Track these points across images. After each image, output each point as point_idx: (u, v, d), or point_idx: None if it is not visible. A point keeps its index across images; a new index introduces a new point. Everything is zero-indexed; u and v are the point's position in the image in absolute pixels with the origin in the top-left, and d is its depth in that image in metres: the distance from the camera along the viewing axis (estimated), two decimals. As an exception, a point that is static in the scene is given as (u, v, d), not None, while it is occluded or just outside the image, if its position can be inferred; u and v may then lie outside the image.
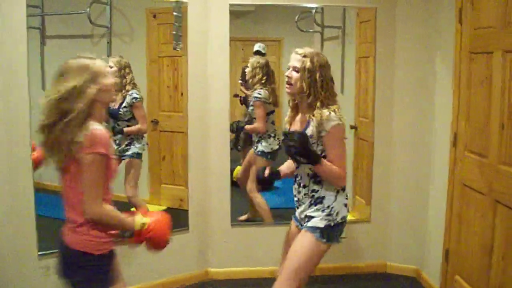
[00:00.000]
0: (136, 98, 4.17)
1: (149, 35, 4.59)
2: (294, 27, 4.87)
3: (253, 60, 4.66)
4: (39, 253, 3.59)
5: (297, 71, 2.80)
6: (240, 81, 5.52)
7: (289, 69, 2.86)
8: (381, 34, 4.22)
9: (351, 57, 4.73)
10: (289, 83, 2.85)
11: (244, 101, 5.14)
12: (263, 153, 4.57)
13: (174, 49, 3.13)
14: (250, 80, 4.64)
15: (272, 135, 4.60)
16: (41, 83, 4.24)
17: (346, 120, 2.79)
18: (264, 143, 4.59)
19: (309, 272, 2.82)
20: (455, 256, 3.67)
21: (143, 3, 4.14)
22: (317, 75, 2.75)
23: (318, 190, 2.82)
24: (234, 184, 4.64)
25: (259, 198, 4.59)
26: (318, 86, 2.74)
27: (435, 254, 3.99)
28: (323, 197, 2.81)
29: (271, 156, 4.58)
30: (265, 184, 3.04)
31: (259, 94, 4.51)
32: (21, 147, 3.46)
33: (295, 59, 2.85)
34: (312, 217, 2.81)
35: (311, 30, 5.01)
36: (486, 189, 3.21)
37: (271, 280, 2.87)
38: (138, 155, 4.29)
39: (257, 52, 5.41)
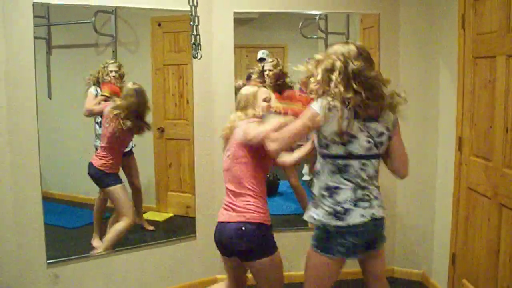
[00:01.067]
0: None
1: (154, 43, 4.62)
2: (298, 34, 4.90)
3: None
4: (48, 261, 3.62)
5: None
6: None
7: None
8: (384, 40, 4.24)
9: (355, 63, 4.75)
10: None
11: None
12: None
13: (194, 57, 3.19)
14: None
15: None
16: (47, 92, 4.28)
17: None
18: None
19: None
20: (462, 260, 3.68)
21: (148, 12, 4.17)
22: None
23: None
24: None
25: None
26: None
27: (442, 258, 3.99)
28: None
29: None
30: None
31: None
32: (28, 156, 3.49)
33: None
34: None
35: (315, 37, 5.04)
36: (491, 193, 3.22)
37: None
38: None
39: (262, 59, 5.44)
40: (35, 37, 3.49)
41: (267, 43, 5.81)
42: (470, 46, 3.51)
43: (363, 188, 2.60)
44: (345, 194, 2.58)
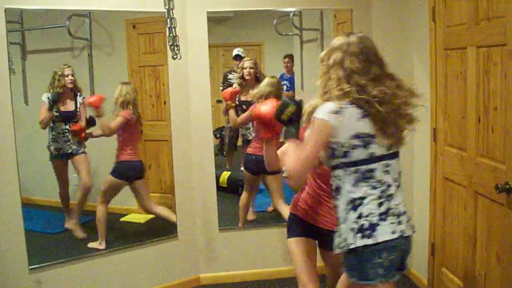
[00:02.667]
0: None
1: (129, 45, 4.61)
2: (273, 31, 4.92)
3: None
4: (30, 267, 3.60)
5: None
6: (222, 87, 5.56)
7: None
8: (358, 35, 4.28)
9: (330, 59, 4.78)
10: None
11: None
12: None
13: (174, 58, 3.20)
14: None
15: None
16: (24, 98, 4.26)
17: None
18: None
19: None
20: (441, 249, 3.73)
21: (122, 14, 4.17)
22: None
23: None
24: (221, 189, 4.68)
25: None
26: None
27: (421, 248, 4.04)
28: None
29: None
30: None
31: None
32: (6, 162, 3.48)
33: None
34: None
35: (291, 34, 5.08)
36: (466, 182, 3.27)
37: (262, 282, 2.85)
38: None
39: (237, 57, 5.46)
40: (9, 43, 3.47)
41: (244, 41, 5.84)
42: (441, 38, 3.56)
43: (389, 197, 2.33)
44: (371, 205, 2.28)
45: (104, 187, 4.32)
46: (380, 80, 2.31)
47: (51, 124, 4.32)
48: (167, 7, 3.13)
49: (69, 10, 3.92)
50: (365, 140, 2.26)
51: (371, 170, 2.30)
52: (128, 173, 4.34)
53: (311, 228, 2.94)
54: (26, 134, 3.93)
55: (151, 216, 4.58)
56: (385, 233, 2.24)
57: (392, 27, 4.21)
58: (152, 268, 4.16)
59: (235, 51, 5.50)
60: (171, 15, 3.15)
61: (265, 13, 4.58)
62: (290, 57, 5.41)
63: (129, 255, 4.06)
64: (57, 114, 4.27)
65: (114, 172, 4.31)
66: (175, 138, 4.18)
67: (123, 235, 4.47)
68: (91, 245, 4.18)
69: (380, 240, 2.23)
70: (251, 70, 4.66)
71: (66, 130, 4.34)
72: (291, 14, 4.81)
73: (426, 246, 3.94)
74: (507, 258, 2.82)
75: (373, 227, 2.24)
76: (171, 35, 3.18)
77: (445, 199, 3.64)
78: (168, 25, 3.16)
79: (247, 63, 4.69)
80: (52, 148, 4.37)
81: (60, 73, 4.23)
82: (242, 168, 4.56)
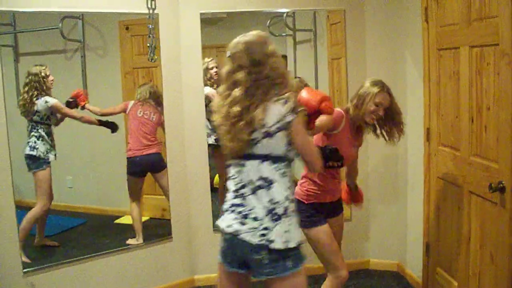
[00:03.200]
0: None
1: (122, 47, 4.60)
2: (267, 32, 4.90)
3: None
4: (24, 270, 3.59)
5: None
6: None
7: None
8: (350, 36, 4.30)
9: (323, 59, 4.78)
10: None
11: None
12: None
13: (150, 60, 3.19)
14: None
15: None
16: (16, 100, 4.24)
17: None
18: None
19: None
20: (435, 248, 3.74)
21: (115, 16, 4.16)
22: None
23: None
24: (215, 190, 4.67)
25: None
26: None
27: (416, 248, 4.06)
28: None
29: None
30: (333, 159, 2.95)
31: None
32: (0, 164, 3.47)
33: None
34: None
35: (284, 34, 5.07)
36: (460, 181, 3.28)
37: (255, 284, 2.85)
38: None
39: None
40: (2, 45, 3.47)
41: (237, 42, 5.82)
42: (434, 38, 3.58)
43: (240, 196, 2.38)
44: (228, 195, 2.44)
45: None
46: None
47: (40, 129, 4.17)
48: (149, 5, 3.12)
49: (62, 12, 3.91)
50: None
51: (228, 165, 2.47)
52: (132, 169, 4.41)
53: (324, 206, 3.21)
54: (19, 137, 3.91)
55: (145, 218, 4.57)
56: (222, 222, 2.39)
57: (385, 28, 4.23)
58: (147, 270, 4.15)
59: (228, 53, 5.48)
60: (152, 16, 3.13)
61: (259, 14, 4.57)
62: (284, 58, 5.40)
63: (123, 257, 4.06)
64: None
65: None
66: (169, 139, 4.17)
67: (117, 237, 4.46)
68: (130, 241, 4.26)
69: (219, 225, 2.41)
70: (217, 69, 4.63)
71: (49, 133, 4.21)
72: (284, 15, 4.80)
73: (420, 246, 3.95)
74: (501, 257, 2.83)
75: (222, 212, 2.42)
76: (150, 36, 3.17)
77: (439, 198, 3.65)
78: (150, 26, 3.15)
79: (211, 63, 4.67)
80: (50, 155, 4.19)
81: (43, 74, 4.11)
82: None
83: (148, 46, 3.17)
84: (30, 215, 3.96)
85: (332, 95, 4.70)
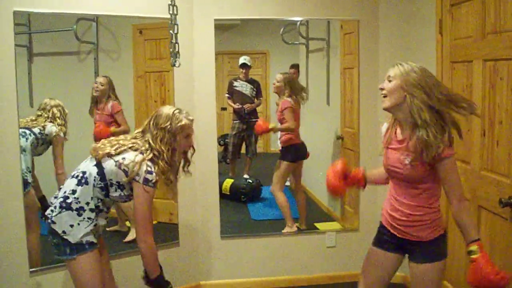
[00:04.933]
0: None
1: (135, 51, 4.62)
2: (279, 40, 4.93)
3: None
4: (31, 270, 3.60)
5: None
6: (227, 95, 5.57)
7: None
8: (364, 46, 4.29)
9: (336, 69, 4.79)
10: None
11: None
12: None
13: (173, 65, 3.22)
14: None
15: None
16: (29, 100, 4.26)
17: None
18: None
19: None
20: (443, 262, 3.71)
21: (129, 19, 4.18)
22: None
23: None
24: (223, 196, 4.67)
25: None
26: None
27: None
28: None
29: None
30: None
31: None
32: (10, 165, 3.48)
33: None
34: None
35: (297, 43, 5.09)
36: (470, 195, 3.26)
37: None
38: None
39: (243, 65, 5.47)
40: (16, 45, 3.49)
41: (250, 49, 5.86)
42: (447, 51, 3.57)
43: None
44: None
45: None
46: None
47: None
48: (171, 11, 3.15)
49: (76, 14, 3.94)
50: None
51: None
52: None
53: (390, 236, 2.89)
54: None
55: (153, 221, 4.56)
56: None
57: (398, 39, 4.22)
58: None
59: (242, 60, 5.51)
60: (174, 21, 3.16)
61: (272, 22, 4.59)
62: (296, 67, 5.41)
63: (129, 261, 4.05)
64: None
65: None
66: (179, 144, 4.17)
67: (123, 241, 4.45)
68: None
69: None
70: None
71: None
72: (298, 23, 4.82)
73: (428, 259, 3.92)
74: (510, 272, 2.81)
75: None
76: (172, 41, 3.19)
77: (449, 212, 3.62)
78: (171, 31, 3.17)
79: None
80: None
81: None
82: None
83: (171, 52, 3.18)
84: None
85: (343, 104, 4.71)
